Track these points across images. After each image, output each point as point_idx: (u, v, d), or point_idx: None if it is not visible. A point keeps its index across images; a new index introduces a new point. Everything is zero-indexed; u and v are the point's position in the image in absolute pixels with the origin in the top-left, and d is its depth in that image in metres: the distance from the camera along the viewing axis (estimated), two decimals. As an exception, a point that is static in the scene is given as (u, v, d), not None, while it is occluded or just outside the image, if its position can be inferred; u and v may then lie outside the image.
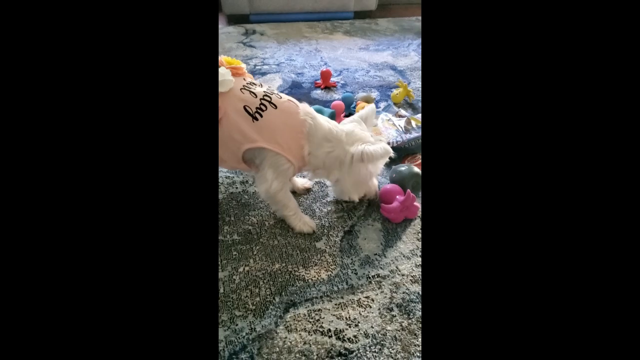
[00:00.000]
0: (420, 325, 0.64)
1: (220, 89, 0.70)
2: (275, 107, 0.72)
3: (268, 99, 0.73)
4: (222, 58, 0.76)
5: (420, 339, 0.62)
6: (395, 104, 1.36)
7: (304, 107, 0.76)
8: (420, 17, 2.47)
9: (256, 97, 0.72)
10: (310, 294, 0.69)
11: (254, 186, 0.95)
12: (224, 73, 0.71)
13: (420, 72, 1.66)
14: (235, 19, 2.32)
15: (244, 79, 0.76)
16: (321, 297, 0.69)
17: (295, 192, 0.94)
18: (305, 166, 0.78)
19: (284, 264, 0.75)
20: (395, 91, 1.39)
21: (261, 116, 0.71)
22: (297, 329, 0.63)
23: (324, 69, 1.51)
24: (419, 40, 2.06)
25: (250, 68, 1.66)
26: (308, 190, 0.96)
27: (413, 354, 0.60)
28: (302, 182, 0.96)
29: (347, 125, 0.80)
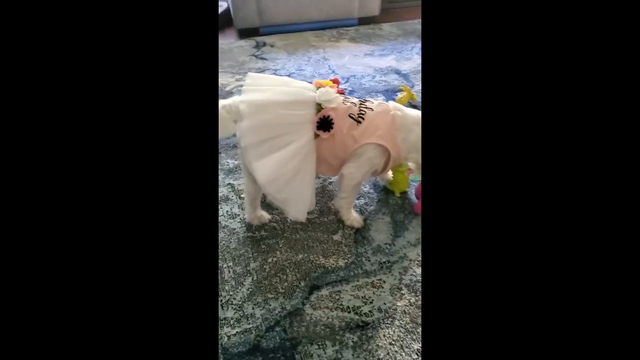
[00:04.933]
0: (426, 301, 0.75)
1: (333, 105, 0.84)
2: (372, 110, 0.87)
3: (364, 105, 0.88)
4: (318, 81, 0.91)
5: (426, 312, 0.73)
6: (400, 107, 1.46)
7: (393, 104, 0.91)
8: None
9: (355, 105, 0.87)
10: (330, 279, 0.81)
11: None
12: (331, 91, 0.85)
13: (423, 74, 1.76)
14: (247, 33, 2.46)
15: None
16: (340, 280, 0.80)
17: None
18: (401, 154, 0.89)
19: (306, 254, 0.87)
20: (399, 95, 1.49)
21: (363, 119, 0.85)
22: (320, 307, 0.75)
23: (332, 78, 1.62)
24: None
25: (264, 80, 1.79)
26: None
27: (419, 325, 0.71)
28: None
29: None
